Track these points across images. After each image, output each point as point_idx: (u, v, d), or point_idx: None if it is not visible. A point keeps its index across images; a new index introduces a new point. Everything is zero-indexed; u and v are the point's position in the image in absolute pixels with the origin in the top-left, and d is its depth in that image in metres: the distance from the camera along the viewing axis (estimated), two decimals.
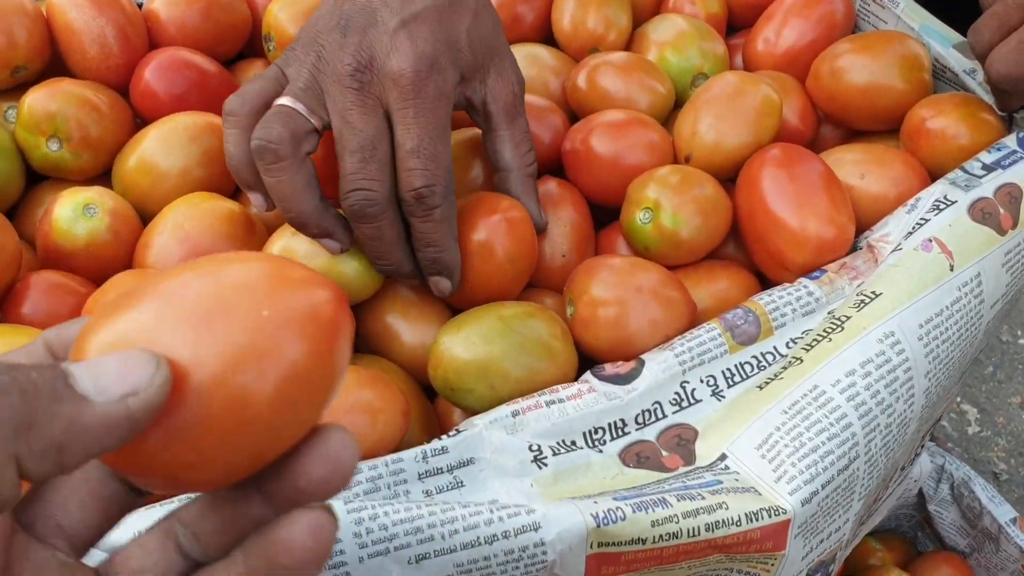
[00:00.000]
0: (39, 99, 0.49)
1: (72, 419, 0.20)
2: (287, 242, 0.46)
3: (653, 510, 0.37)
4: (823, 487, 0.41)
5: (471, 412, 0.43)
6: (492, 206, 0.46)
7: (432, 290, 0.46)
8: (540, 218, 0.49)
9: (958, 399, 1.31)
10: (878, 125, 0.55)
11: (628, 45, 0.58)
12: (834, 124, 0.57)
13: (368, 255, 0.45)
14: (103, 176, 0.52)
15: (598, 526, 0.36)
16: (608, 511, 0.37)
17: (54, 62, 0.54)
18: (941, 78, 0.56)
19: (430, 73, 0.43)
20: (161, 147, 0.49)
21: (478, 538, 0.35)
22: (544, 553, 0.36)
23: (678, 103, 0.56)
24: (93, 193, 0.47)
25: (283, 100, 0.44)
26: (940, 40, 0.57)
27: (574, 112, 0.56)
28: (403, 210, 0.44)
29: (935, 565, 0.71)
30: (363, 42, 0.43)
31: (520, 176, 0.48)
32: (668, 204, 0.47)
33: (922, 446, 0.63)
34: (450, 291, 0.46)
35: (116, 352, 0.21)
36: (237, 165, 0.44)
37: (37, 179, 0.52)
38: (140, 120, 0.53)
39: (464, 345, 0.42)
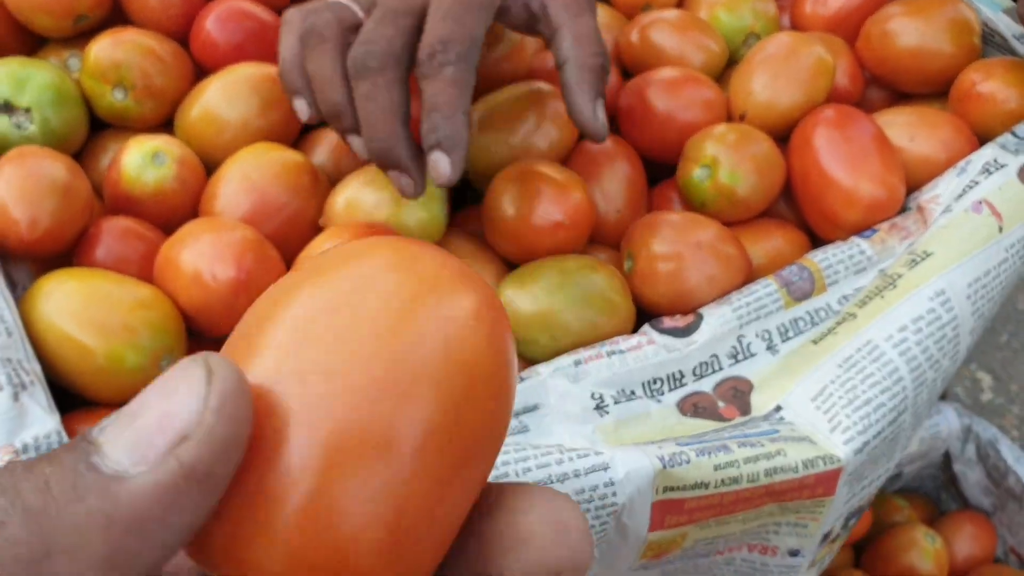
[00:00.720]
0: (105, 48, 0.49)
1: (108, 517, 0.14)
2: (352, 193, 0.47)
3: (715, 455, 0.39)
4: (874, 437, 0.42)
5: (531, 362, 0.44)
6: (551, 191, 0.46)
7: (432, 174, 0.41)
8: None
9: (972, 366, 1.33)
10: (926, 88, 0.56)
11: (680, 3, 0.59)
12: (882, 86, 0.58)
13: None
14: (163, 126, 0.53)
15: (664, 468, 0.38)
16: (673, 455, 0.38)
17: (114, 11, 0.54)
18: (990, 43, 0.57)
19: None
20: (224, 98, 0.50)
21: (550, 476, 0.37)
22: (614, 495, 0.37)
23: (729, 62, 0.57)
24: (161, 141, 0.47)
25: None
26: (990, 5, 0.57)
27: (626, 69, 0.57)
28: (416, 74, 0.41)
29: (959, 523, 0.73)
30: None
31: (575, 66, 0.43)
32: (726, 161, 0.48)
33: None
34: (449, 178, 0.41)
35: (155, 382, 0.15)
36: (287, 68, 0.45)
37: (97, 127, 0.53)
38: (200, 70, 0.54)
39: (529, 298, 0.44)
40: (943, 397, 0.79)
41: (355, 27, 0.43)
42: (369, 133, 0.42)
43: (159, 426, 0.14)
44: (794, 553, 0.44)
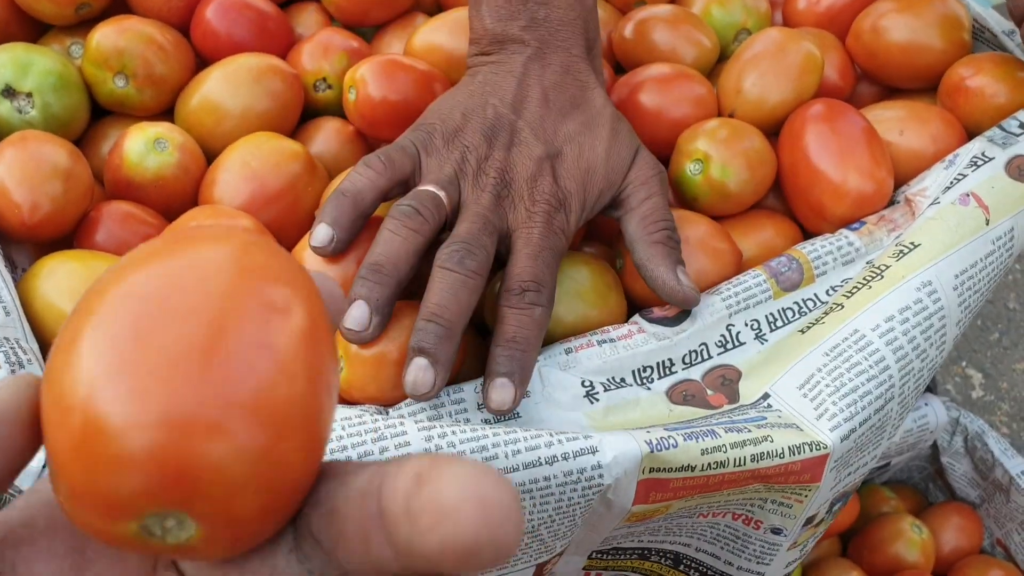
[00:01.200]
0: (107, 35, 0.50)
1: None
2: None
3: (703, 439, 0.39)
4: (860, 425, 0.43)
5: None
6: None
7: (494, 396, 0.39)
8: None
9: (963, 363, 1.34)
10: (916, 83, 0.57)
11: None
12: (872, 81, 0.59)
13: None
14: (164, 114, 0.53)
15: (652, 451, 0.38)
16: (661, 439, 0.39)
17: (115, 0, 0.55)
18: (980, 38, 0.58)
19: (559, 209, 0.43)
20: (225, 87, 0.50)
21: (539, 458, 0.37)
22: (601, 476, 0.38)
23: (721, 57, 0.57)
24: (163, 128, 0.48)
25: (428, 187, 0.43)
26: (980, 0, 0.58)
27: (620, 64, 0.57)
28: (499, 302, 0.41)
29: (946, 515, 0.74)
30: (508, 160, 0.44)
31: (641, 245, 0.44)
32: (718, 157, 0.48)
33: None
34: (511, 407, 0.39)
35: None
36: (347, 198, 0.42)
37: (98, 114, 0.54)
38: (200, 60, 0.54)
39: None
40: (933, 392, 0.80)
41: (439, 219, 0.42)
42: (436, 301, 0.40)
43: None
44: (776, 531, 0.44)
